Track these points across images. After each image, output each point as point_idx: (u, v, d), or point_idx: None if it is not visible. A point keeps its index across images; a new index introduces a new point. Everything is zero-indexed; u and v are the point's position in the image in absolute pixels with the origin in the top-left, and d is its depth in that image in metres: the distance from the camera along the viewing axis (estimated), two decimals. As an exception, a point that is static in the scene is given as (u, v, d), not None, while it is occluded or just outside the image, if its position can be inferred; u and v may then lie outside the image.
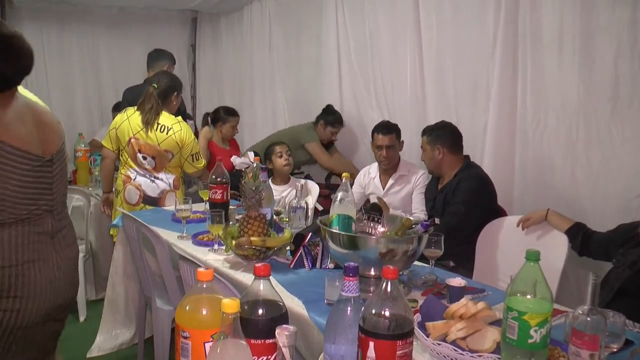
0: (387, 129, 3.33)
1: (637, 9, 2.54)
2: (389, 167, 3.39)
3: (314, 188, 3.75)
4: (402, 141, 3.45)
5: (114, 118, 3.44)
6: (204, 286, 1.13)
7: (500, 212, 2.91)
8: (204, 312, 1.11)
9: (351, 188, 2.12)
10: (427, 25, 3.58)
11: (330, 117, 4.31)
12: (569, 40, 2.81)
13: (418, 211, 3.26)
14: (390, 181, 3.39)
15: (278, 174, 3.63)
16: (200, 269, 1.14)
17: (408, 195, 3.38)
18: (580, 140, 2.83)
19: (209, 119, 4.35)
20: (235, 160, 2.62)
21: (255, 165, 2.37)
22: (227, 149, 4.19)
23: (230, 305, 0.99)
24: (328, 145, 4.41)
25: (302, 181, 3.74)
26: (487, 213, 2.82)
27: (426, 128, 3.08)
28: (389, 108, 3.95)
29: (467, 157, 3.02)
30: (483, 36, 3.23)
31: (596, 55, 2.71)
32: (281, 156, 3.60)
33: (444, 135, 2.97)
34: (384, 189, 3.41)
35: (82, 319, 3.59)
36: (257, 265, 1.18)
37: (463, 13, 3.36)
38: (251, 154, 2.65)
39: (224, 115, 4.23)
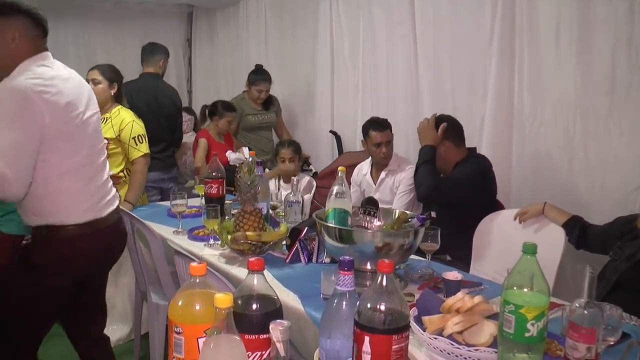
0: (383, 125, 3.25)
1: (635, 1, 2.53)
2: (387, 162, 3.35)
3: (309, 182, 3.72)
4: (392, 134, 3.41)
5: None
6: (197, 281, 1.11)
7: (497, 206, 2.90)
8: (197, 307, 1.10)
9: (346, 183, 2.09)
10: (423, 18, 3.55)
11: (252, 75, 4.37)
12: (566, 32, 2.79)
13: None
14: (382, 176, 3.35)
15: (284, 174, 3.61)
16: (193, 264, 1.12)
17: None
18: (577, 133, 2.81)
19: (207, 111, 4.34)
20: (230, 155, 2.60)
21: (250, 159, 2.35)
22: (222, 144, 4.18)
23: (223, 300, 0.97)
24: (267, 106, 4.44)
25: (307, 178, 3.69)
26: (486, 206, 2.80)
27: None
28: (384, 102, 3.92)
29: (474, 149, 2.95)
30: (480, 29, 3.20)
31: (593, 47, 2.69)
32: (284, 161, 3.58)
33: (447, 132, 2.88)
34: (375, 184, 3.39)
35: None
36: (250, 259, 1.17)
37: (459, 6, 3.33)
38: (245, 150, 2.64)
39: (221, 110, 4.21)
